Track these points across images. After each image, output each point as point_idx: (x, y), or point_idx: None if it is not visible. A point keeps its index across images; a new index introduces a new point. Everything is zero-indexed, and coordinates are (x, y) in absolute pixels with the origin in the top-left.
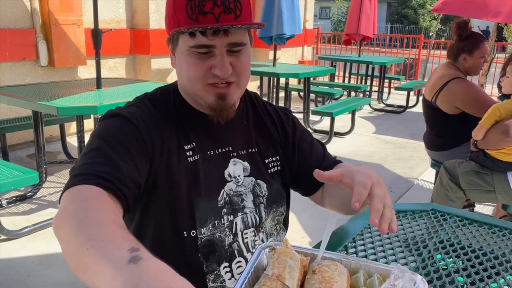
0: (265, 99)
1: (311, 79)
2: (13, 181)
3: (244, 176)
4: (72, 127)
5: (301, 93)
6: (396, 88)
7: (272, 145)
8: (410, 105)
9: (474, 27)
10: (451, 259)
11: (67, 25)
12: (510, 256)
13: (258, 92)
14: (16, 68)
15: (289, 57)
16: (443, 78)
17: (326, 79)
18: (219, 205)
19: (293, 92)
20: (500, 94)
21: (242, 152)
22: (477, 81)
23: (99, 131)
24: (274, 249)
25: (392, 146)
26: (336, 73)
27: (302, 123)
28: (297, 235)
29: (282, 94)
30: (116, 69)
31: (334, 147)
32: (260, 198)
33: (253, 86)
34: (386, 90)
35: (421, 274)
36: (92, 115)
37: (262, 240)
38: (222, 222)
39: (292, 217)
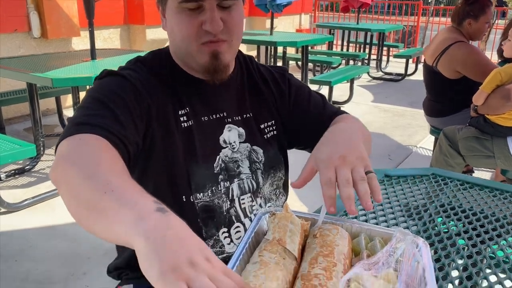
0: None
1: (309, 48)
2: (10, 154)
3: (240, 142)
4: (68, 99)
5: (299, 63)
6: (395, 56)
7: (267, 109)
8: (408, 73)
9: None
10: (452, 222)
11: None
12: (511, 218)
13: None
14: (9, 40)
15: (286, 26)
16: (445, 42)
17: (324, 47)
18: (215, 171)
19: (291, 62)
20: (500, 60)
21: (237, 118)
22: (477, 46)
23: (96, 88)
24: (274, 214)
25: (390, 115)
26: (334, 42)
27: None
28: (297, 203)
29: (280, 63)
30: (110, 40)
31: None
32: (257, 164)
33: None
34: (384, 58)
35: (422, 237)
36: (87, 87)
37: (260, 206)
38: (219, 188)
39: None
